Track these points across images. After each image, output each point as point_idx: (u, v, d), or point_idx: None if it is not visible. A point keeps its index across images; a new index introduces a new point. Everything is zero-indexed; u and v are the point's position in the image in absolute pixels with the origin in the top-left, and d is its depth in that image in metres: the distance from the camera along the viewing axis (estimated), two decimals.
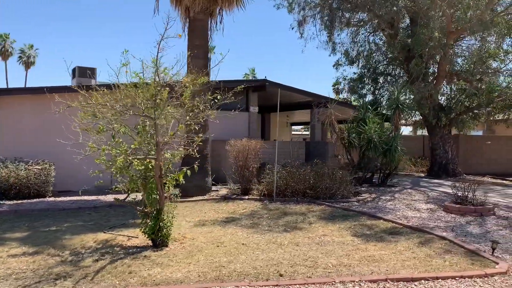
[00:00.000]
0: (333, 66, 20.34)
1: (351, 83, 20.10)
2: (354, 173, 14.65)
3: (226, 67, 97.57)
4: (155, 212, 6.70)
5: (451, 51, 17.93)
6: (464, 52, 18.49)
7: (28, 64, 60.95)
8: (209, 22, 12.39)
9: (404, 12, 19.49)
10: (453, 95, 19.41)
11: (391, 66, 20.11)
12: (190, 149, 7.32)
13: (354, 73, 20.21)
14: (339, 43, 19.97)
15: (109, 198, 11.62)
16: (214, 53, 64.10)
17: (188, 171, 6.79)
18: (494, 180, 17.96)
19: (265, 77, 62.06)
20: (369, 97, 20.36)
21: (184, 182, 6.91)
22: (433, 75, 19.01)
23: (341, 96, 19.76)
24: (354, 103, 21.16)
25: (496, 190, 14.11)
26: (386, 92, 20.25)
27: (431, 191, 13.33)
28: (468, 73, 18.56)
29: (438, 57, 18.17)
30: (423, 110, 18.41)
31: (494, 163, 21.61)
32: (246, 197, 11.45)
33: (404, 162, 22.55)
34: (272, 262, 5.82)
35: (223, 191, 12.45)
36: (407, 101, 15.95)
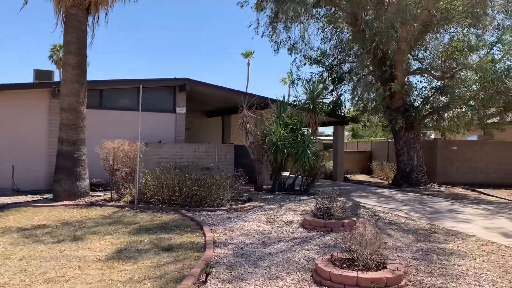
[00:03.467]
0: (292, 64, 18.98)
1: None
2: (274, 178, 13.40)
3: (265, 69, 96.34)
4: None
5: (408, 45, 16.03)
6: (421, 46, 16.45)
7: None
8: (93, 17, 11.73)
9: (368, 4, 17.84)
10: (417, 94, 17.33)
11: (350, 64, 18.41)
12: None
13: (311, 73, 18.71)
14: (294, 42, 18.57)
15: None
16: (253, 57, 62.57)
17: None
18: (460, 192, 15.75)
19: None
20: (330, 99, 18.84)
21: None
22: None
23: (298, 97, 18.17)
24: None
25: (428, 202, 12.20)
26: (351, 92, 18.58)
27: (344, 203, 11.67)
28: (432, 68, 16.60)
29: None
30: (376, 112, 16.66)
31: (480, 172, 19.08)
32: (111, 203, 10.58)
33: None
34: None
35: (105, 196, 11.61)
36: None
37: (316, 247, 6.81)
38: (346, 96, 18.61)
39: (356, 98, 17.71)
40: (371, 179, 21.76)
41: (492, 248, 6.93)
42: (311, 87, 12.84)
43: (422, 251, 6.63)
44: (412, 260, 6.11)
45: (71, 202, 10.76)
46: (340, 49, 18.43)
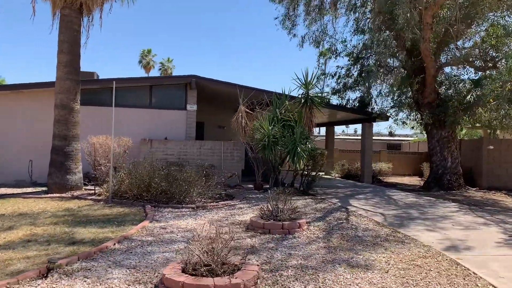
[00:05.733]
0: (319, 57, 18.13)
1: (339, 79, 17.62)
2: (271, 177, 12.86)
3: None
4: None
5: (434, 33, 14.44)
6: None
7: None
8: (88, 18, 12.12)
9: None
10: (449, 89, 15.53)
11: (379, 56, 17.01)
12: None
13: (338, 67, 17.66)
14: (320, 35, 17.61)
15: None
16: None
17: None
18: (496, 198, 13.83)
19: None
20: (357, 94, 17.69)
21: None
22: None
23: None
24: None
25: (430, 207, 10.81)
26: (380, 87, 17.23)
27: (334, 204, 10.81)
28: (470, 57, 14.81)
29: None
30: (401, 107, 15.23)
31: None
32: (91, 197, 10.81)
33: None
34: None
35: (96, 190, 11.91)
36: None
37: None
38: (375, 91, 17.06)
39: (387, 91, 16.36)
40: (415, 182, 20.06)
41: (430, 261, 5.87)
42: (305, 79, 11.99)
43: (336, 260, 5.80)
44: (306, 269, 5.37)
45: (58, 195, 11.20)
46: (367, 41, 17.16)
